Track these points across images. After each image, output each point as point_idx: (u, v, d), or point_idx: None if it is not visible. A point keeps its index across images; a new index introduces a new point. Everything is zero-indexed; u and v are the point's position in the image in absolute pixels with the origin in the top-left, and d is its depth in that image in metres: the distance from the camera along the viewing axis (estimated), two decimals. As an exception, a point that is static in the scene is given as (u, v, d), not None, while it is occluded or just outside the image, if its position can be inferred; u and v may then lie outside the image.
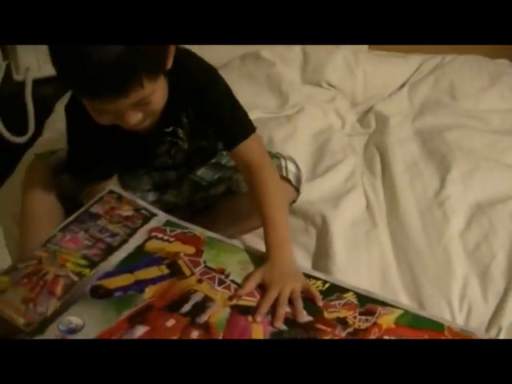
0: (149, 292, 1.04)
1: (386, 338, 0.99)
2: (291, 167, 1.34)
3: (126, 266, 1.08)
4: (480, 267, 1.26)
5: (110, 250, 1.10)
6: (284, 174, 1.31)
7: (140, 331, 0.97)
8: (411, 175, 1.47)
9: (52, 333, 0.96)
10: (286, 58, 1.76)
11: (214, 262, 1.11)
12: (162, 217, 1.19)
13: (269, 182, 1.19)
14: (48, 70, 1.73)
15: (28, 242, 1.23)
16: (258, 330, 1.00)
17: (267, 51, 1.66)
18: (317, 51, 1.77)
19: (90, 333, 0.97)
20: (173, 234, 1.15)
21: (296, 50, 1.77)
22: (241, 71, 1.82)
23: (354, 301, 1.06)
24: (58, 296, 1.01)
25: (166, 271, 1.08)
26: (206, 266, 1.10)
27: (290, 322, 1.01)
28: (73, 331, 0.97)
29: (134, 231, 1.14)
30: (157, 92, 1.08)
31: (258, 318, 1.00)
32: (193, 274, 1.08)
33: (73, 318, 0.98)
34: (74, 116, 1.22)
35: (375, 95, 1.76)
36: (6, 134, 1.68)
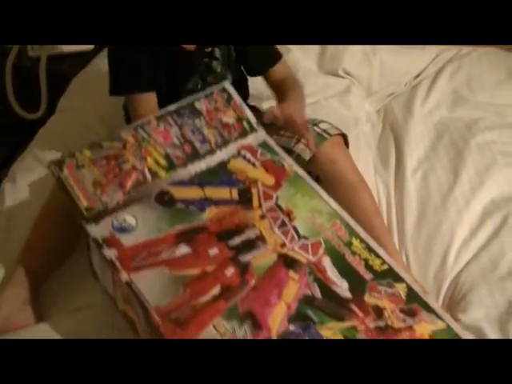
0: (209, 213, 1.04)
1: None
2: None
3: (201, 180, 1.08)
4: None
5: (194, 156, 1.10)
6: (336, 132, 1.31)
7: (182, 251, 0.99)
8: (425, 169, 1.39)
9: (105, 226, 1.01)
10: (303, 45, 1.64)
11: (286, 202, 1.07)
12: (260, 135, 1.15)
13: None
14: (63, 46, 1.74)
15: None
16: (293, 288, 0.98)
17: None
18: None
19: (138, 237, 1.00)
20: (261, 158, 1.12)
21: (314, 37, 1.65)
22: None
23: (403, 294, 0.98)
24: (125, 190, 1.05)
25: (235, 196, 1.07)
26: (276, 203, 1.07)
27: (327, 292, 0.97)
28: (124, 230, 1.01)
29: (225, 143, 1.13)
30: None
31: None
32: (260, 206, 1.06)
33: (128, 217, 1.02)
34: None
35: (391, 84, 1.65)
36: (19, 110, 1.66)
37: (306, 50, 1.64)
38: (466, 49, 1.70)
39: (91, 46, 1.78)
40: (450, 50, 1.71)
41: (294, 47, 1.59)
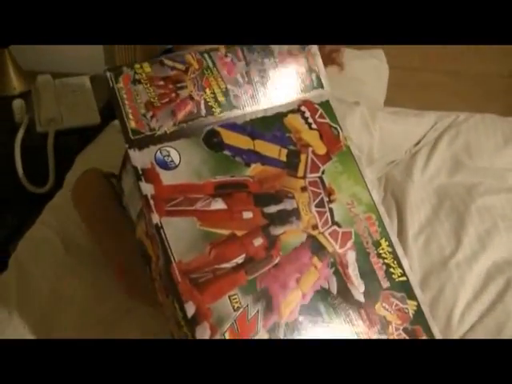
0: (253, 170, 1.01)
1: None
2: None
3: (254, 129, 1.03)
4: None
5: (252, 101, 1.04)
6: None
7: (216, 206, 0.97)
8: (427, 234, 1.39)
9: (148, 155, 0.97)
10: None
11: (330, 179, 1.04)
12: (325, 93, 1.09)
13: None
14: (71, 121, 1.77)
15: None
16: (313, 277, 0.98)
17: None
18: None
19: (178, 177, 0.97)
20: (320, 120, 1.07)
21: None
22: None
23: (411, 313, 1.01)
24: (176, 120, 1.00)
25: (283, 158, 1.03)
26: (320, 178, 1.04)
27: (343, 289, 0.99)
28: (165, 165, 0.97)
29: (287, 95, 1.07)
30: None
31: None
32: (304, 177, 1.03)
33: (173, 152, 0.98)
34: None
35: (391, 152, 1.63)
36: (27, 185, 1.66)
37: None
38: (462, 115, 1.70)
39: (98, 121, 1.80)
40: (448, 117, 1.70)
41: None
